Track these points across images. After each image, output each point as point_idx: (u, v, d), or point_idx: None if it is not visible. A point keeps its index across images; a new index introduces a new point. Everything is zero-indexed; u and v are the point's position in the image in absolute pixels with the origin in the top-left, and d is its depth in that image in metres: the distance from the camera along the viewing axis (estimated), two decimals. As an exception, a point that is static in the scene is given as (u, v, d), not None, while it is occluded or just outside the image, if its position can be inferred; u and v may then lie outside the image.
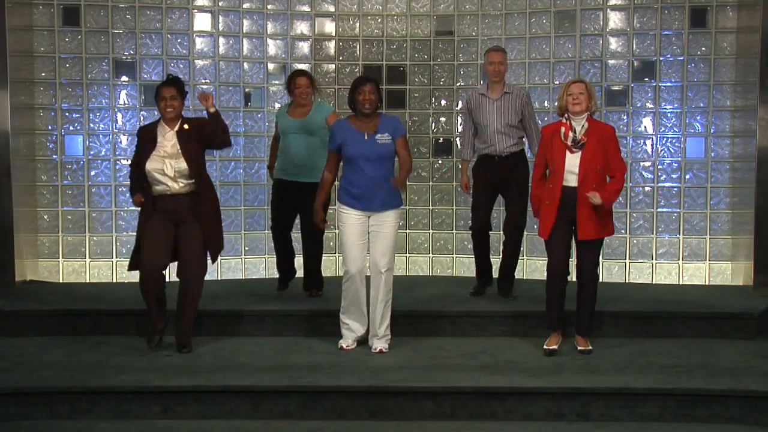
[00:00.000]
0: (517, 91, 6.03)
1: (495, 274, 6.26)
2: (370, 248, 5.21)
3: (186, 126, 5.19)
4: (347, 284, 5.22)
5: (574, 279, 5.30)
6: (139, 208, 5.32)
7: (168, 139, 5.16)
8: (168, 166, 5.09)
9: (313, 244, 6.16)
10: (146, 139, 5.21)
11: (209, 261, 5.31)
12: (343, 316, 5.31)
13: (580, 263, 5.20)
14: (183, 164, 5.11)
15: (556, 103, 5.26)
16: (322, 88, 7.39)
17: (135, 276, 6.70)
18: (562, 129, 5.11)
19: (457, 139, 6.15)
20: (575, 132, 5.08)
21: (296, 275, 6.38)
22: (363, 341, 5.35)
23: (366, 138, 5.13)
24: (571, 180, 5.06)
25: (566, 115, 5.13)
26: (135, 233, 5.37)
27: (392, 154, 5.21)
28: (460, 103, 7.32)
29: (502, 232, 6.19)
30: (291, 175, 6.04)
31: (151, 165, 5.11)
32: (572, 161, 5.06)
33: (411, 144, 7.37)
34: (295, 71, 6.31)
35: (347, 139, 5.16)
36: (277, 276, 6.41)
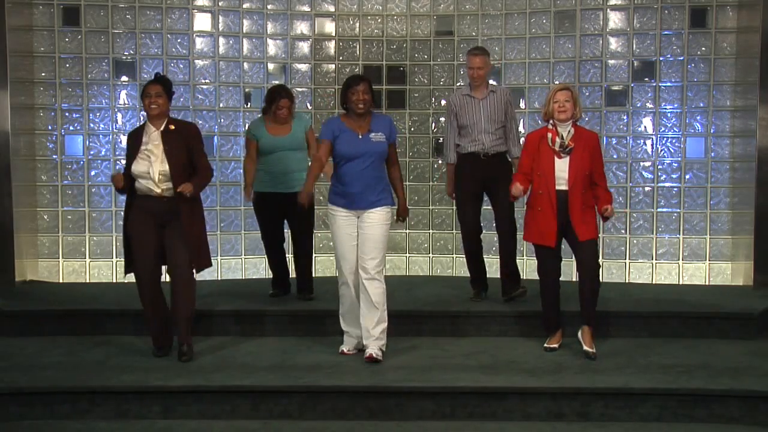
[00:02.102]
0: (500, 91, 5.98)
1: (492, 275, 6.22)
2: (359, 250, 5.08)
3: (172, 126, 5.08)
4: (343, 288, 5.17)
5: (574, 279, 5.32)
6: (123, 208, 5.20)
7: (153, 140, 5.02)
8: (152, 169, 4.97)
9: (304, 251, 6.13)
10: (133, 140, 5.10)
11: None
12: (342, 321, 5.25)
13: (583, 261, 5.17)
14: (165, 165, 4.98)
15: (543, 109, 5.25)
16: (322, 87, 7.42)
17: (134, 276, 6.72)
18: (549, 135, 5.14)
19: (441, 142, 6.09)
20: (562, 138, 5.11)
21: (290, 290, 6.29)
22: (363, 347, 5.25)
23: (360, 137, 5.07)
24: (561, 184, 5.10)
25: (551, 121, 5.16)
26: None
27: (386, 153, 5.14)
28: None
29: (496, 233, 6.09)
30: (274, 186, 5.98)
31: (136, 167, 4.99)
32: (561, 166, 5.10)
33: (411, 144, 7.42)
34: (275, 90, 6.05)
35: (341, 138, 5.06)
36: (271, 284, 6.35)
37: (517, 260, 7.02)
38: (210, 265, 5.25)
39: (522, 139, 6.07)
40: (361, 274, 5.05)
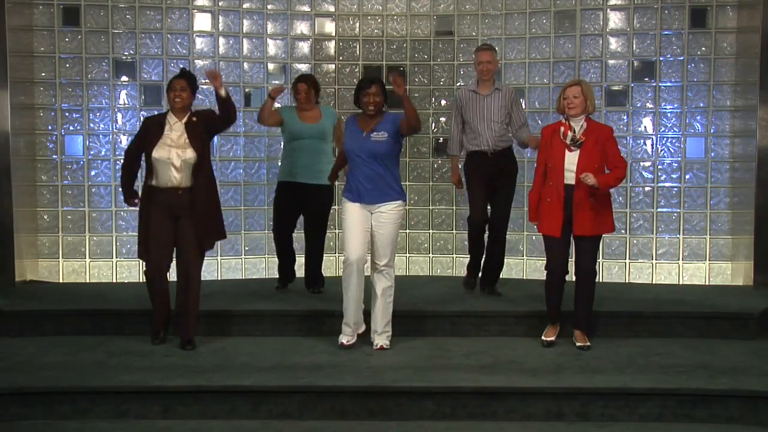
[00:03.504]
0: (506, 89, 6.12)
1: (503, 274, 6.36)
2: (370, 245, 5.27)
3: (194, 118, 5.28)
4: (346, 273, 5.25)
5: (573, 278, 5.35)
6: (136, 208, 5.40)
7: (175, 130, 5.22)
8: (175, 156, 5.14)
9: (315, 244, 6.26)
10: (152, 127, 5.26)
11: (211, 248, 5.46)
12: (344, 311, 5.32)
13: (578, 259, 5.27)
14: (190, 153, 5.16)
15: (555, 104, 5.35)
16: (322, 87, 7.41)
17: (135, 276, 6.73)
18: (562, 129, 5.22)
19: (442, 141, 6.22)
20: (574, 132, 5.16)
21: (296, 276, 6.44)
22: (363, 337, 5.37)
23: (363, 136, 5.23)
24: (570, 178, 5.15)
25: (565, 115, 5.22)
26: (135, 233, 5.45)
27: (387, 152, 5.23)
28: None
29: (487, 226, 6.19)
30: (296, 176, 6.11)
31: (157, 153, 5.16)
32: (571, 159, 5.16)
33: (411, 144, 7.41)
34: (298, 75, 6.40)
35: (349, 136, 5.30)
36: (277, 276, 6.48)
37: (517, 260, 7.06)
38: (225, 236, 5.45)
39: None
40: (372, 267, 5.28)
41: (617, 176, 5.17)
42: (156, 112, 5.84)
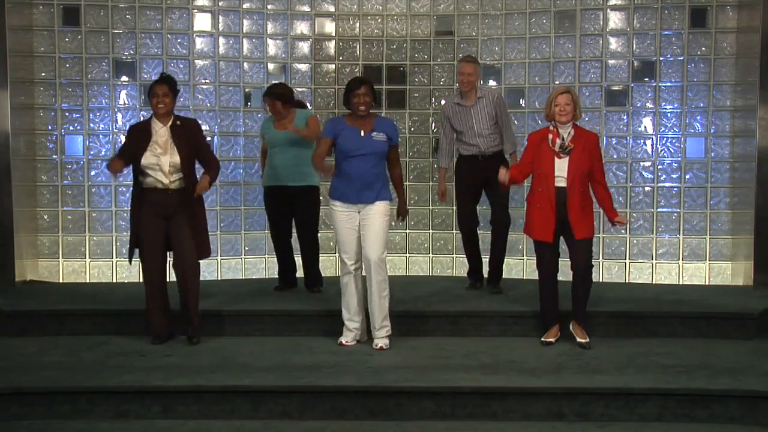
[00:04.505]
0: (489, 94, 6.14)
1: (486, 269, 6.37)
2: (362, 241, 5.26)
3: (178, 122, 5.30)
4: (344, 279, 5.32)
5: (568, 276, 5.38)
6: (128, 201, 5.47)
7: (161, 135, 5.25)
8: (163, 161, 5.18)
9: (309, 245, 6.26)
10: (138, 134, 5.29)
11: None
12: (343, 313, 5.37)
13: (575, 259, 5.29)
14: (177, 158, 5.21)
15: (544, 110, 5.34)
16: (322, 87, 7.42)
17: (135, 276, 6.73)
18: (550, 136, 5.27)
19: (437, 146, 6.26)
20: (563, 139, 5.21)
21: (296, 285, 6.42)
22: (363, 339, 5.40)
23: (362, 135, 5.23)
24: (560, 182, 5.22)
25: (553, 122, 5.26)
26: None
27: (386, 152, 5.28)
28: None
29: (491, 227, 6.25)
30: (280, 179, 6.11)
31: (146, 160, 5.19)
32: (561, 166, 5.22)
33: (411, 144, 7.42)
34: (268, 88, 6.28)
35: (343, 134, 5.24)
36: (277, 277, 6.48)
37: (517, 260, 7.07)
38: (210, 254, 5.46)
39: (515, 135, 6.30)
40: (364, 262, 5.25)
41: (610, 197, 5.37)
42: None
